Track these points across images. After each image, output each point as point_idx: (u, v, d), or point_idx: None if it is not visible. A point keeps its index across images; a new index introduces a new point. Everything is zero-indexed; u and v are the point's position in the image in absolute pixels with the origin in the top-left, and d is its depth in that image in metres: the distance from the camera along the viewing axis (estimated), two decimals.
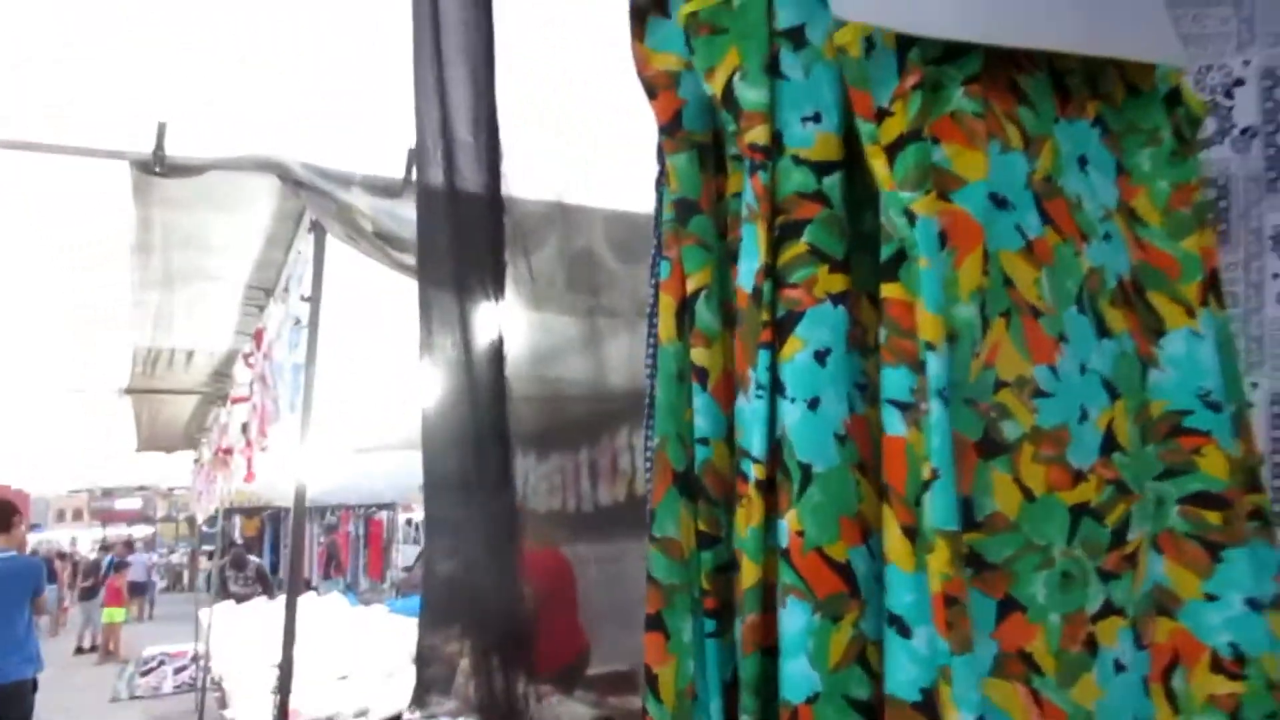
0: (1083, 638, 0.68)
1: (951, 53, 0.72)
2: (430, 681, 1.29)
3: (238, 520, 14.84)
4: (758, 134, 0.72)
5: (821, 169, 0.71)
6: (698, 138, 0.77)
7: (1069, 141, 0.78)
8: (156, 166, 2.16)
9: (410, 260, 2.30)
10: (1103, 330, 0.75)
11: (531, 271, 2.38)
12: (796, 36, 0.73)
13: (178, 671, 9.04)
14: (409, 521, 14.49)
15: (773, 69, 0.73)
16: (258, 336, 3.33)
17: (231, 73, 2.09)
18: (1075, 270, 0.75)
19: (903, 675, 0.62)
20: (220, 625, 6.38)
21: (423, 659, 1.34)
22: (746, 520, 0.68)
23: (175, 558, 20.84)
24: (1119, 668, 0.70)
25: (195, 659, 7.98)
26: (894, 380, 0.65)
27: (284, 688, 2.66)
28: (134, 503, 20.68)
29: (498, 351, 1.07)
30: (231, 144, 2.22)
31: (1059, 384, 0.71)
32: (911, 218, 0.66)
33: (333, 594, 8.31)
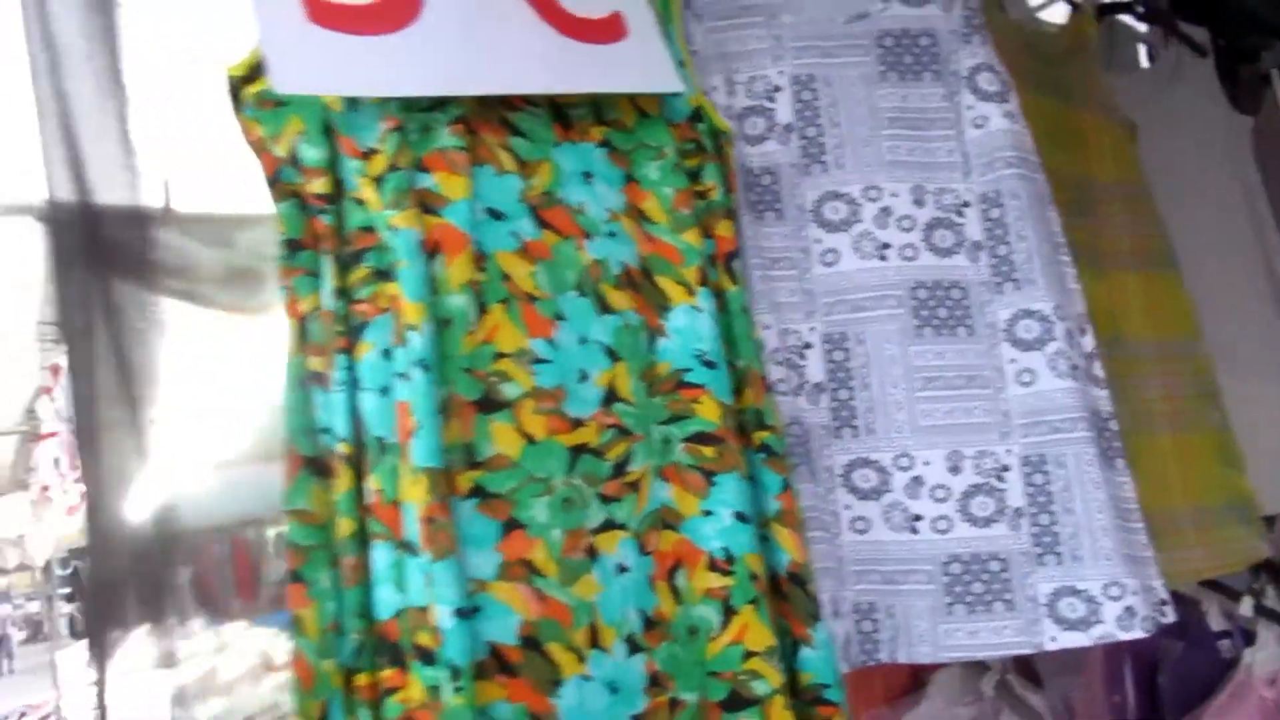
0: (583, 547, 0.90)
1: (439, 102, 0.93)
2: None
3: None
4: (318, 185, 0.92)
5: None
6: (295, 188, 0.95)
7: (570, 161, 1.00)
8: None
9: (177, 284, 2.41)
10: (604, 308, 0.97)
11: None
12: (351, 101, 0.92)
13: None
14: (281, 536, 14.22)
15: (331, 130, 0.92)
16: (54, 371, 3.35)
17: None
18: (575, 263, 0.97)
19: (415, 587, 0.83)
20: (78, 667, 6.26)
21: None
22: (339, 487, 0.88)
23: (32, 607, 19.87)
24: (621, 569, 0.92)
25: (57, 707, 7.77)
26: (400, 358, 0.86)
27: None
28: None
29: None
30: None
31: (556, 353, 0.93)
32: (394, 230, 0.87)
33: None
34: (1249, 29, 1.97)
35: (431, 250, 0.89)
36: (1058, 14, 1.81)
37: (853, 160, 1.23)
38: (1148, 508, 1.48)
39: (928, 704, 1.44)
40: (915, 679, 1.51)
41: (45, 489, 4.37)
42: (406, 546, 0.84)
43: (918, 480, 1.17)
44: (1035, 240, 1.21)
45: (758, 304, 1.18)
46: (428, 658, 0.81)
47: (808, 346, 1.21)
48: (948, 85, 1.26)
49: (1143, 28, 1.94)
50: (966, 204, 1.23)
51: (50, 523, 5.29)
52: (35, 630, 19.23)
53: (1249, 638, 1.57)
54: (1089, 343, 1.22)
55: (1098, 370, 1.22)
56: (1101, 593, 1.12)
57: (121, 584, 1.27)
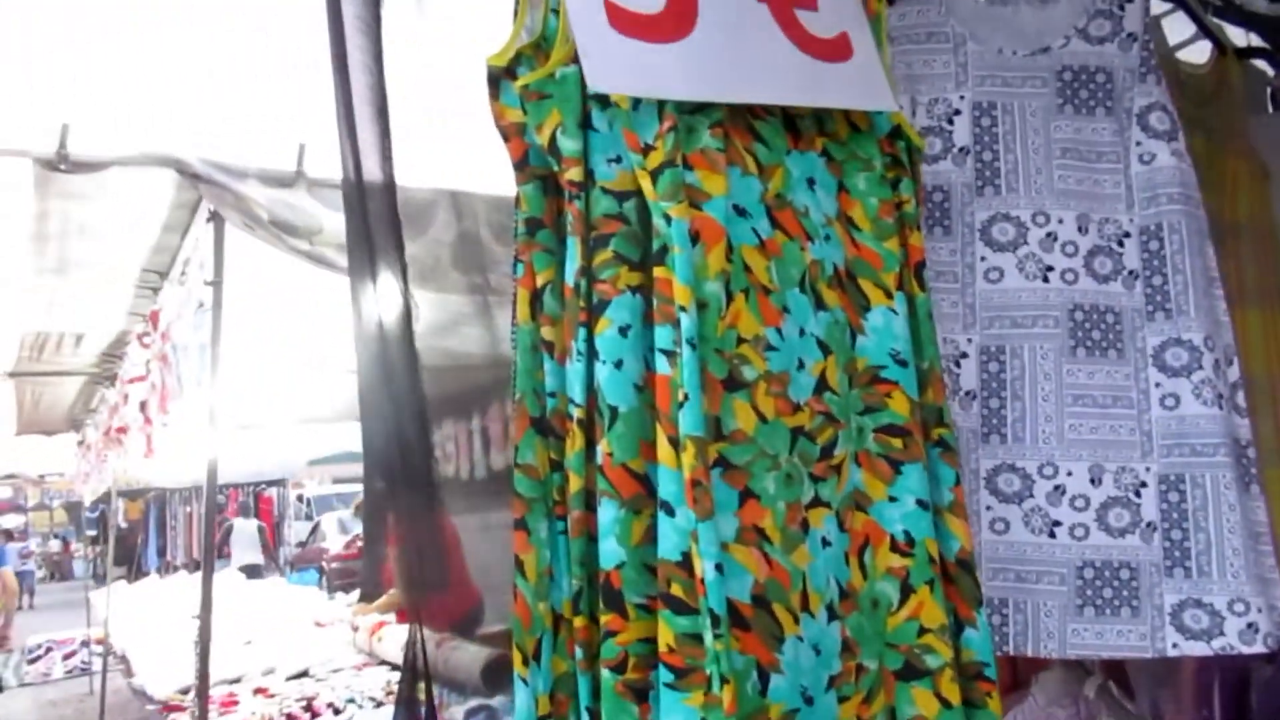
0: (799, 520, 0.98)
1: (701, 106, 1.01)
2: None
3: (121, 504, 14.55)
4: (574, 173, 1.00)
5: (621, 196, 1.00)
6: (541, 172, 1.04)
7: (798, 168, 1.09)
8: (61, 164, 2.31)
9: (304, 245, 2.52)
10: (820, 305, 1.05)
11: (418, 252, 2.61)
12: (603, 100, 1.01)
13: (67, 657, 8.92)
14: (300, 498, 14.43)
15: (585, 124, 1.01)
16: (153, 318, 3.47)
17: (132, 74, 2.25)
18: (799, 261, 1.05)
19: (669, 543, 0.90)
20: (117, 605, 6.42)
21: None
22: (572, 447, 0.97)
23: (53, 545, 20.23)
24: (825, 543, 1.00)
25: (85, 643, 7.95)
26: (661, 335, 0.94)
27: (204, 650, 2.85)
28: (3, 491, 19.94)
29: (408, 328, 1.24)
30: (132, 140, 2.38)
31: (783, 341, 1.01)
32: (668, 219, 0.95)
33: (225, 570, 8.37)
34: None
35: (693, 239, 0.97)
36: (1191, 54, 1.87)
37: (1025, 186, 1.31)
38: None
39: (1030, 702, 1.52)
40: (1015, 678, 1.59)
41: (121, 430, 4.49)
42: (664, 506, 0.92)
43: (1059, 489, 1.26)
44: (1191, 273, 1.29)
45: None
46: (681, 607, 0.90)
47: (964, 356, 1.30)
48: (1119, 121, 1.34)
49: (1272, 72, 2.00)
50: (1127, 234, 1.31)
51: (112, 464, 5.43)
52: (55, 569, 19.61)
53: None
54: (1235, 373, 1.30)
55: (1241, 400, 1.30)
56: (1226, 607, 1.21)
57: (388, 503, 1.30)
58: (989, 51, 1.35)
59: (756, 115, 1.07)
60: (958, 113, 1.33)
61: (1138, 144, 1.33)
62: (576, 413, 0.98)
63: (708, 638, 0.87)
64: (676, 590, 0.90)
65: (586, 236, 1.01)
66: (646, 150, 0.99)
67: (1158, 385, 1.28)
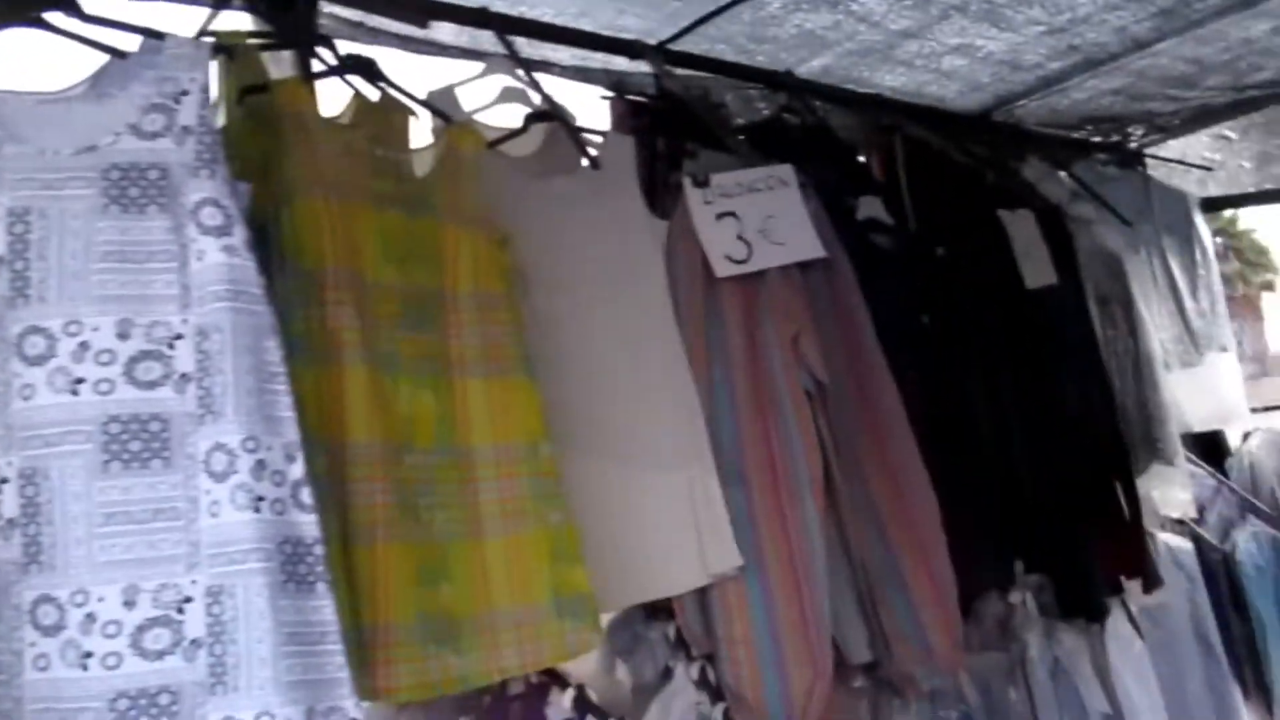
0: None
1: None
2: None
3: None
4: None
5: None
6: None
7: None
8: None
9: None
10: None
11: None
12: None
13: None
14: None
15: None
16: None
17: None
18: None
19: None
20: None
21: None
22: None
23: None
24: None
25: None
26: None
27: None
28: None
29: None
30: None
31: None
32: None
33: None
34: (685, 138, 2.11)
35: None
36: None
37: (56, 294, 1.24)
38: (464, 613, 1.55)
39: None
40: None
41: None
42: None
43: (91, 616, 1.19)
44: (234, 373, 1.24)
45: None
46: None
47: (4, 481, 1.21)
48: (175, 218, 1.29)
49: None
50: (180, 336, 1.26)
51: None
52: None
53: None
54: (297, 470, 1.26)
55: (305, 497, 1.26)
56: None
57: None
58: (30, 152, 1.27)
59: None
60: None
61: (193, 241, 1.28)
62: None
63: None
64: None
65: None
66: None
67: (208, 493, 1.23)
